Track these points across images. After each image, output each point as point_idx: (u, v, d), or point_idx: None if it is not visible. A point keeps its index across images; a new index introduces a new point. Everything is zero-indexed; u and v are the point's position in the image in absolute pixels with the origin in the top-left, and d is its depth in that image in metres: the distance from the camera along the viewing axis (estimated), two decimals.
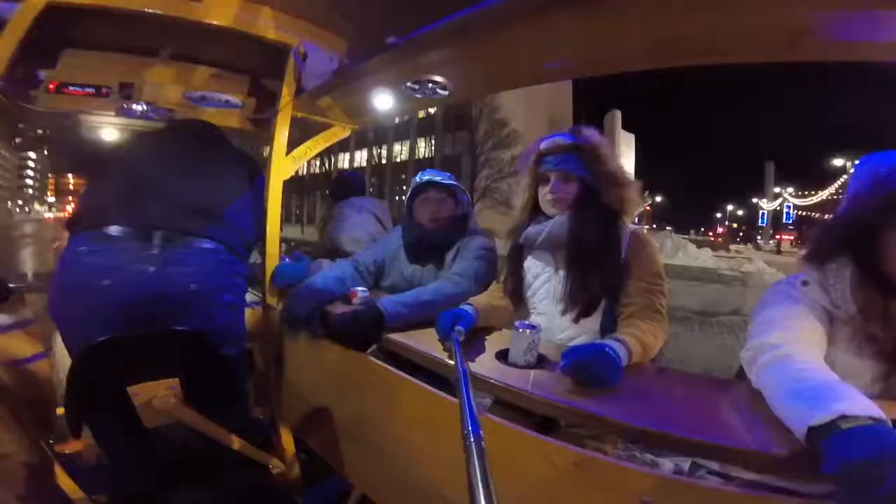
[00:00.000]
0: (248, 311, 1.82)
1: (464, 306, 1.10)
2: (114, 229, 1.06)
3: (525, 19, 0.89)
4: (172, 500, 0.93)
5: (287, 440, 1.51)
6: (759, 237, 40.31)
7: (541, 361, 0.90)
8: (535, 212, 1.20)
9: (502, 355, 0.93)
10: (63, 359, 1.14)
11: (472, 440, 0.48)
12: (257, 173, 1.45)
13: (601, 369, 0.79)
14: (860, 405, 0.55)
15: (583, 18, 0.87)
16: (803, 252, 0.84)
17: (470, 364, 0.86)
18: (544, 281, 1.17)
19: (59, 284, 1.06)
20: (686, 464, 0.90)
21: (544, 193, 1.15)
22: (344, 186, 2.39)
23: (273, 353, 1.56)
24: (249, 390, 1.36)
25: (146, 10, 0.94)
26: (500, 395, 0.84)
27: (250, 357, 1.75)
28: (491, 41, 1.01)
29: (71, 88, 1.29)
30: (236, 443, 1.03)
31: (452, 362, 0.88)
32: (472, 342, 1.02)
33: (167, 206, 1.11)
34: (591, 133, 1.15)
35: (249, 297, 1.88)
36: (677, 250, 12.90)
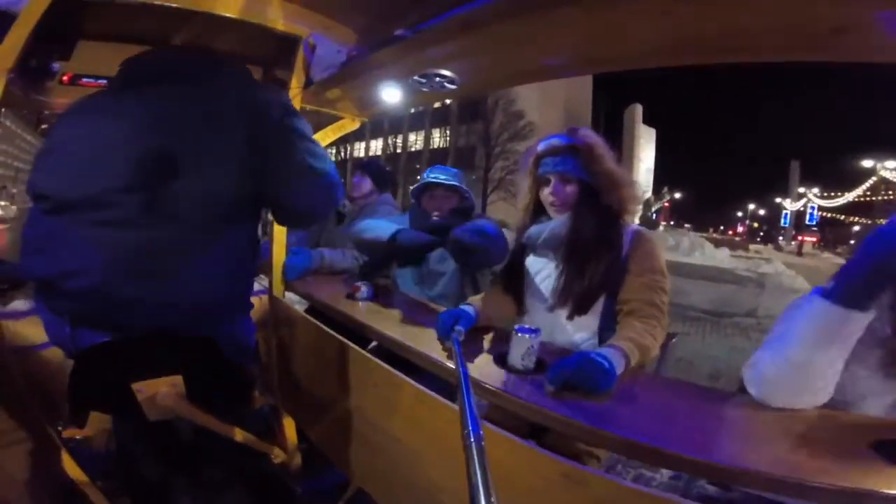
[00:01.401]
0: (254, 300, 1.87)
1: (463, 306, 1.10)
2: None
3: (535, 13, 0.86)
4: (176, 487, 0.94)
5: (289, 429, 1.55)
6: (780, 238, 39.15)
7: (539, 366, 0.89)
8: (537, 212, 1.22)
9: (501, 359, 0.93)
10: None
11: (472, 440, 0.48)
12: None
13: (586, 377, 0.78)
14: None
15: (594, 14, 0.84)
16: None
17: (469, 367, 0.85)
18: (544, 279, 1.17)
19: None
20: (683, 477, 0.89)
21: (545, 195, 1.17)
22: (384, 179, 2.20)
23: (277, 343, 1.59)
24: (254, 379, 1.38)
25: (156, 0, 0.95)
26: (493, 399, 0.83)
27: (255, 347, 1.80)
28: (499, 35, 0.98)
29: (84, 80, 1.31)
30: (238, 433, 1.05)
31: (451, 363, 0.89)
32: (471, 342, 1.01)
33: None
34: (586, 133, 1.15)
35: (256, 285, 1.92)
36: (694, 249, 12.63)
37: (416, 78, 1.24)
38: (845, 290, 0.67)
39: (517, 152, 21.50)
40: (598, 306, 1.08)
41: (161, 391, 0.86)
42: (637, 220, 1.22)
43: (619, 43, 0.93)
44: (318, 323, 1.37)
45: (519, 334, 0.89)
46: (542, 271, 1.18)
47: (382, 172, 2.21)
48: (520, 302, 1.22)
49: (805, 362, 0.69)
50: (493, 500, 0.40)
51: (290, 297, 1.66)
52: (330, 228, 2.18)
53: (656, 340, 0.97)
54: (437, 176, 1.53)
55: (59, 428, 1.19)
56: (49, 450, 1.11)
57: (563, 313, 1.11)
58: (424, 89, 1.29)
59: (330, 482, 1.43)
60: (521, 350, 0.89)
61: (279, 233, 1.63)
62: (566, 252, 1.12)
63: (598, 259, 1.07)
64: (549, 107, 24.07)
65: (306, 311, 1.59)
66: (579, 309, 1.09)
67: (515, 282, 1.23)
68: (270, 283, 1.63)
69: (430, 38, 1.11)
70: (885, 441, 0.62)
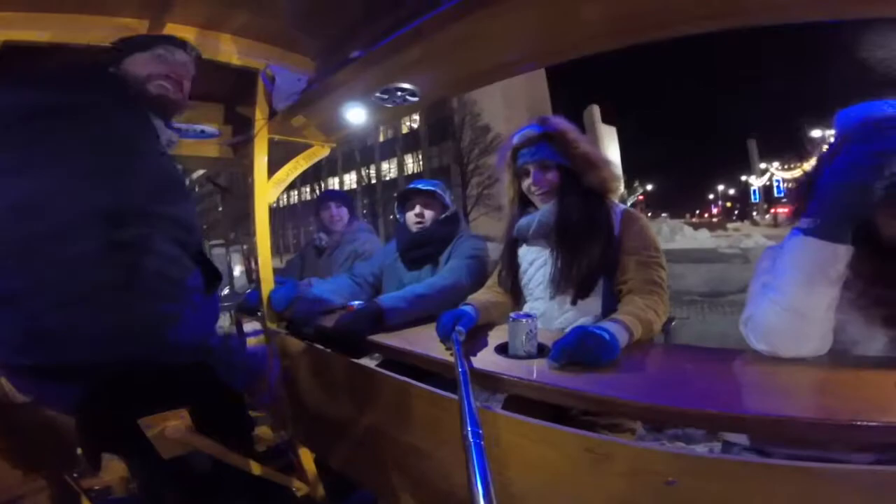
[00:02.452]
0: (253, 341, 1.81)
1: (463, 306, 1.09)
2: None
3: (483, 11, 0.89)
4: None
5: (307, 460, 1.50)
6: (754, 213, 40.55)
7: (542, 350, 0.88)
8: (523, 205, 1.23)
9: (502, 349, 0.92)
10: None
11: (471, 440, 0.48)
12: None
13: (587, 349, 0.78)
14: None
15: (539, 4, 0.87)
16: (794, 212, 0.81)
17: (474, 362, 0.85)
18: (539, 267, 1.17)
19: None
20: (717, 446, 0.87)
21: (528, 186, 1.17)
22: None
23: (282, 375, 1.55)
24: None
25: (106, 45, 0.94)
26: (506, 389, 0.82)
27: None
28: (451, 40, 1.01)
29: None
30: (256, 468, 1.02)
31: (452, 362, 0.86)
32: (474, 341, 1.00)
33: None
34: (557, 120, 1.17)
35: (251, 326, 1.88)
36: (675, 234, 12.94)
37: (377, 95, 1.26)
38: (826, 224, 0.68)
39: (491, 166, 21.92)
40: (599, 289, 1.08)
41: (169, 426, 0.82)
42: None
43: (569, 30, 0.97)
44: (320, 347, 1.34)
45: (515, 320, 0.88)
46: (537, 260, 1.18)
47: (351, 200, 2.29)
48: (518, 294, 1.22)
49: (806, 305, 0.69)
50: (493, 500, 0.40)
51: None
52: (311, 263, 2.16)
53: (658, 315, 0.97)
54: (416, 184, 1.54)
55: (76, 475, 1.14)
56: (69, 500, 1.04)
57: (564, 299, 1.10)
58: (387, 105, 1.31)
59: (361, 500, 1.40)
60: (520, 336, 0.87)
61: (264, 268, 1.61)
62: (557, 238, 1.12)
63: (591, 241, 1.07)
64: (514, 116, 24.71)
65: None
66: (580, 293, 1.08)
67: (511, 275, 1.23)
68: (264, 321, 1.59)
69: (384, 54, 1.14)
70: None
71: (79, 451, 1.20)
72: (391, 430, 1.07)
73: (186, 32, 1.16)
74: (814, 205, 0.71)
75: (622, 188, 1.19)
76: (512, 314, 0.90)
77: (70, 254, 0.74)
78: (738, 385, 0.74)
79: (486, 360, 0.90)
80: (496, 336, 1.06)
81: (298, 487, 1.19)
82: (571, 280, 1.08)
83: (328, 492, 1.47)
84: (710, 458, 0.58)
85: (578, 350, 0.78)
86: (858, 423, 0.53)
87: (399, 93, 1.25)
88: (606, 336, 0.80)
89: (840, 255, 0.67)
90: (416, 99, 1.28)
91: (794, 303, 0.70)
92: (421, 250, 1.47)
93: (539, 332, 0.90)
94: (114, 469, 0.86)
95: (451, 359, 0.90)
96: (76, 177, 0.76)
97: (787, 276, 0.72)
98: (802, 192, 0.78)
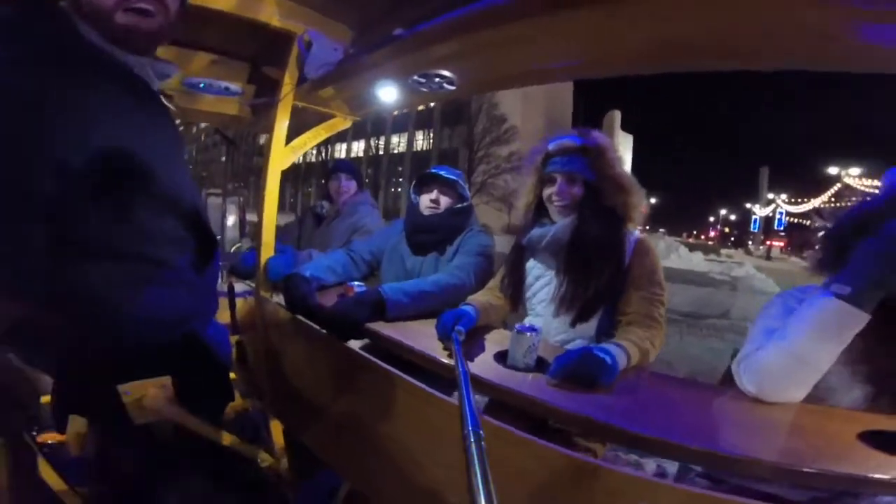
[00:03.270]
0: (240, 302, 1.81)
1: (464, 306, 1.10)
2: None
3: (536, 16, 0.88)
4: (160, 494, 0.90)
5: (277, 433, 1.50)
6: (749, 242, 40.82)
7: (540, 364, 0.90)
8: (538, 213, 1.20)
9: (501, 357, 0.93)
10: None
11: (472, 440, 0.48)
12: None
13: (587, 371, 0.80)
14: None
15: (592, 18, 0.86)
16: (813, 258, 0.85)
17: (470, 365, 0.86)
18: (544, 284, 1.16)
19: None
20: (673, 466, 0.91)
21: (549, 194, 1.15)
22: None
23: (264, 345, 1.55)
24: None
25: None
26: (495, 395, 0.84)
27: (242, 350, 1.73)
28: (500, 37, 0.99)
29: None
30: (226, 438, 1.02)
31: (451, 361, 0.88)
32: (471, 341, 1.01)
33: None
34: (598, 135, 1.15)
35: (242, 287, 1.85)
36: (670, 252, 13.06)
37: (415, 78, 1.24)
38: (861, 292, 0.70)
39: (499, 156, 21.72)
40: (598, 314, 1.09)
41: (149, 393, 0.82)
42: None
43: (616, 47, 0.95)
44: (308, 322, 1.32)
45: (520, 332, 0.89)
46: (543, 277, 1.17)
47: (360, 173, 2.26)
48: (517, 302, 1.22)
49: (814, 358, 0.72)
50: (493, 500, 0.40)
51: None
52: (308, 231, 2.16)
53: (654, 348, 0.99)
54: (439, 170, 1.52)
55: (34, 433, 1.13)
56: (24, 455, 1.05)
57: (565, 320, 1.10)
58: (423, 90, 1.29)
59: (324, 484, 1.39)
60: (522, 348, 0.89)
61: (268, 234, 1.60)
62: (569, 257, 1.10)
63: (602, 266, 1.06)
64: (531, 112, 24.42)
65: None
66: (581, 317, 1.08)
67: (514, 285, 1.22)
68: (257, 285, 1.59)
69: (429, 38, 1.11)
70: (870, 431, 0.65)
71: (44, 402, 1.18)
72: (371, 417, 1.07)
73: None
74: (852, 270, 0.72)
75: (642, 218, 1.15)
76: (518, 325, 0.91)
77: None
78: (714, 420, 0.78)
79: (482, 364, 0.92)
80: (493, 340, 1.07)
81: (263, 459, 1.19)
82: (576, 303, 1.07)
83: (293, 467, 1.45)
84: (683, 491, 0.60)
85: (580, 370, 0.80)
86: (814, 470, 0.57)
87: (437, 79, 1.23)
88: (608, 360, 0.82)
89: (864, 321, 0.70)
90: (452, 87, 1.26)
91: (801, 352, 0.73)
92: (429, 235, 1.46)
93: (540, 346, 0.91)
94: (73, 425, 0.87)
95: (449, 358, 0.92)
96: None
97: (803, 328, 0.74)
98: (830, 248, 0.80)
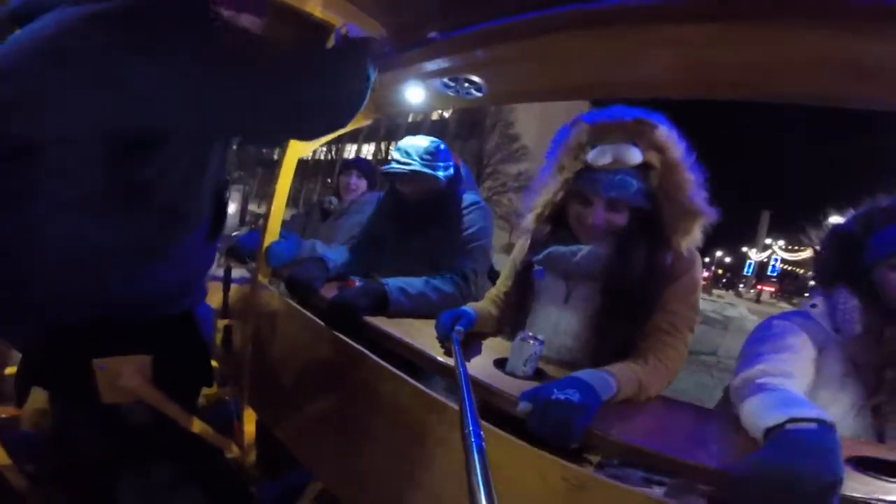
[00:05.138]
0: (234, 288, 1.79)
1: (464, 307, 1.09)
2: None
3: (572, 31, 0.90)
4: (112, 475, 0.86)
5: (249, 425, 1.47)
6: (741, 285, 41.05)
7: (539, 375, 0.89)
8: (555, 224, 0.96)
9: (500, 364, 0.92)
10: None
11: (472, 440, 0.48)
12: None
13: (554, 429, 0.66)
14: (811, 410, 0.59)
15: (625, 37, 0.88)
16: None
17: (468, 366, 0.83)
18: (550, 310, 0.97)
19: None
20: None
21: (578, 214, 0.90)
22: None
23: (253, 332, 1.52)
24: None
25: None
26: (489, 398, 0.82)
27: (229, 335, 1.72)
28: (535, 50, 1.02)
29: None
30: (196, 425, 0.98)
31: (450, 360, 0.87)
32: (468, 346, 0.99)
33: None
34: (667, 142, 0.84)
35: (239, 272, 1.84)
36: None
37: (444, 81, 1.27)
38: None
39: (507, 174, 21.88)
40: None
41: (125, 371, 0.79)
42: None
43: (642, 69, 0.94)
44: (303, 310, 1.32)
45: (523, 340, 0.87)
46: (550, 305, 0.97)
47: (375, 172, 2.20)
48: (516, 323, 1.02)
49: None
50: (494, 501, 0.40)
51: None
52: (314, 224, 2.15)
53: (661, 385, 0.84)
54: (392, 166, 1.33)
55: None
56: None
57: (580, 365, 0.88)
58: (449, 93, 1.33)
59: (290, 482, 1.35)
60: (523, 356, 0.87)
61: (274, 222, 1.59)
62: (603, 303, 0.88)
63: (641, 303, 0.84)
64: (546, 133, 24.64)
65: None
66: (602, 361, 0.84)
67: (518, 304, 1.03)
68: (256, 270, 1.57)
69: (462, 45, 1.15)
70: (858, 457, 0.66)
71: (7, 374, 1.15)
72: (358, 416, 1.04)
73: None
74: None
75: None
76: (521, 333, 0.88)
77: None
78: (704, 437, 0.76)
79: (479, 367, 0.90)
80: (490, 347, 1.04)
81: (231, 450, 1.15)
82: (600, 355, 0.86)
83: (260, 463, 1.42)
84: None
85: (545, 430, 0.66)
86: None
87: (467, 84, 1.26)
88: (575, 399, 0.66)
89: None
90: (480, 95, 1.30)
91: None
92: (413, 213, 1.36)
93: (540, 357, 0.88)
94: (32, 400, 0.84)
95: (447, 356, 0.90)
96: None
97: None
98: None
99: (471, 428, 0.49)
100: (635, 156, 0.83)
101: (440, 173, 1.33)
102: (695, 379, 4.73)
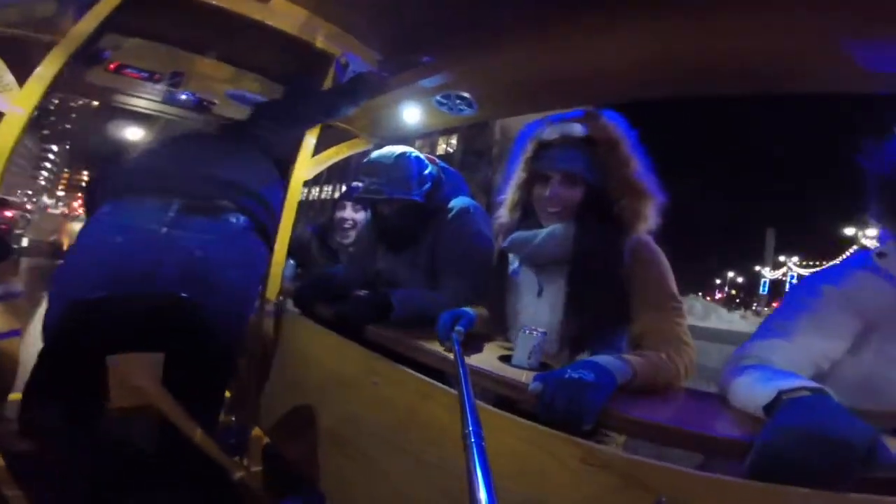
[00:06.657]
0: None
1: (464, 307, 1.06)
2: (137, 192, 1.05)
3: (553, 43, 0.97)
4: (117, 498, 0.84)
5: (256, 447, 1.43)
6: (755, 305, 40.08)
7: (544, 367, 0.88)
8: (525, 212, 0.99)
9: (505, 360, 0.91)
10: (34, 342, 1.01)
11: (472, 440, 0.47)
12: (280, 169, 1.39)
13: (565, 414, 0.64)
14: (798, 381, 0.57)
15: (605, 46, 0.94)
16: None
17: (475, 362, 0.84)
18: (527, 304, 0.99)
19: (77, 242, 1.03)
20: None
21: (540, 196, 0.94)
22: None
23: (260, 352, 1.53)
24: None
25: (213, 2, 1.04)
26: (499, 389, 0.81)
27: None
28: (519, 59, 1.08)
29: (128, 70, 1.42)
30: (203, 441, 0.95)
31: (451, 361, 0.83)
32: (470, 347, 0.96)
33: (193, 175, 1.10)
34: (610, 120, 0.91)
35: None
36: (710, 314, 13.36)
37: (437, 98, 1.34)
38: None
39: None
40: (600, 347, 0.89)
41: (136, 371, 0.79)
42: None
43: (638, 69, 0.98)
44: (314, 323, 1.32)
45: (528, 333, 0.87)
46: (526, 294, 0.99)
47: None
48: (501, 319, 1.02)
49: None
50: (494, 500, 0.39)
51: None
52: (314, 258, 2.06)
53: (678, 375, 0.80)
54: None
55: None
56: None
57: (563, 356, 0.93)
58: (443, 110, 1.40)
59: None
60: (527, 348, 0.87)
61: (281, 240, 1.62)
62: (569, 283, 0.91)
63: (602, 295, 0.87)
64: None
65: None
66: (577, 350, 0.89)
67: (498, 296, 1.03)
68: (264, 289, 1.58)
69: (452, 63, 1.22)
70: None
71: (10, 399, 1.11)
72: (373, 438, 1.00)
73: (293, 11, 1.28)
74: None
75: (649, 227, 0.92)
76: (525, 327, 0.89)
77: None
78: (720, 413, 0.72)
79: (487, 362, 0.89)
80: (490, 347, 1.02)
81: (237, 472, 1.11)
82: (581, 340, 0.88)
83: (267, 486, 1.35)
84: (706, 478, 0.56)
85: (555, 415, 0.64)
86: None
87: (458, 100, 1.32)
88: (589, 378, 0.65)
89: None
90: (472, 111, 1.37)
91: None
92: (402, 231, 1.28)
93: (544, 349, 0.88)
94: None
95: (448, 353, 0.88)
96: None
97: None
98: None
99: (471, 428, 0.49)
100: (580, 130, 0.91)
101: (414, 193, 1.20)
102: None
